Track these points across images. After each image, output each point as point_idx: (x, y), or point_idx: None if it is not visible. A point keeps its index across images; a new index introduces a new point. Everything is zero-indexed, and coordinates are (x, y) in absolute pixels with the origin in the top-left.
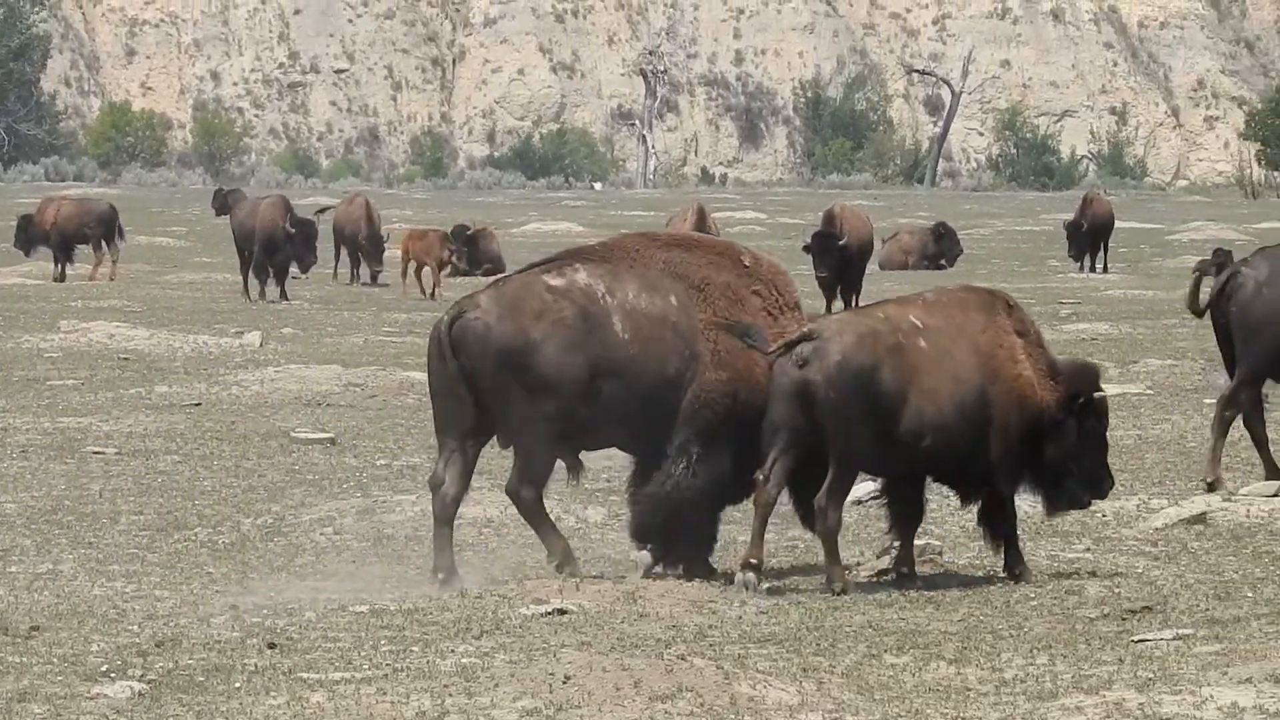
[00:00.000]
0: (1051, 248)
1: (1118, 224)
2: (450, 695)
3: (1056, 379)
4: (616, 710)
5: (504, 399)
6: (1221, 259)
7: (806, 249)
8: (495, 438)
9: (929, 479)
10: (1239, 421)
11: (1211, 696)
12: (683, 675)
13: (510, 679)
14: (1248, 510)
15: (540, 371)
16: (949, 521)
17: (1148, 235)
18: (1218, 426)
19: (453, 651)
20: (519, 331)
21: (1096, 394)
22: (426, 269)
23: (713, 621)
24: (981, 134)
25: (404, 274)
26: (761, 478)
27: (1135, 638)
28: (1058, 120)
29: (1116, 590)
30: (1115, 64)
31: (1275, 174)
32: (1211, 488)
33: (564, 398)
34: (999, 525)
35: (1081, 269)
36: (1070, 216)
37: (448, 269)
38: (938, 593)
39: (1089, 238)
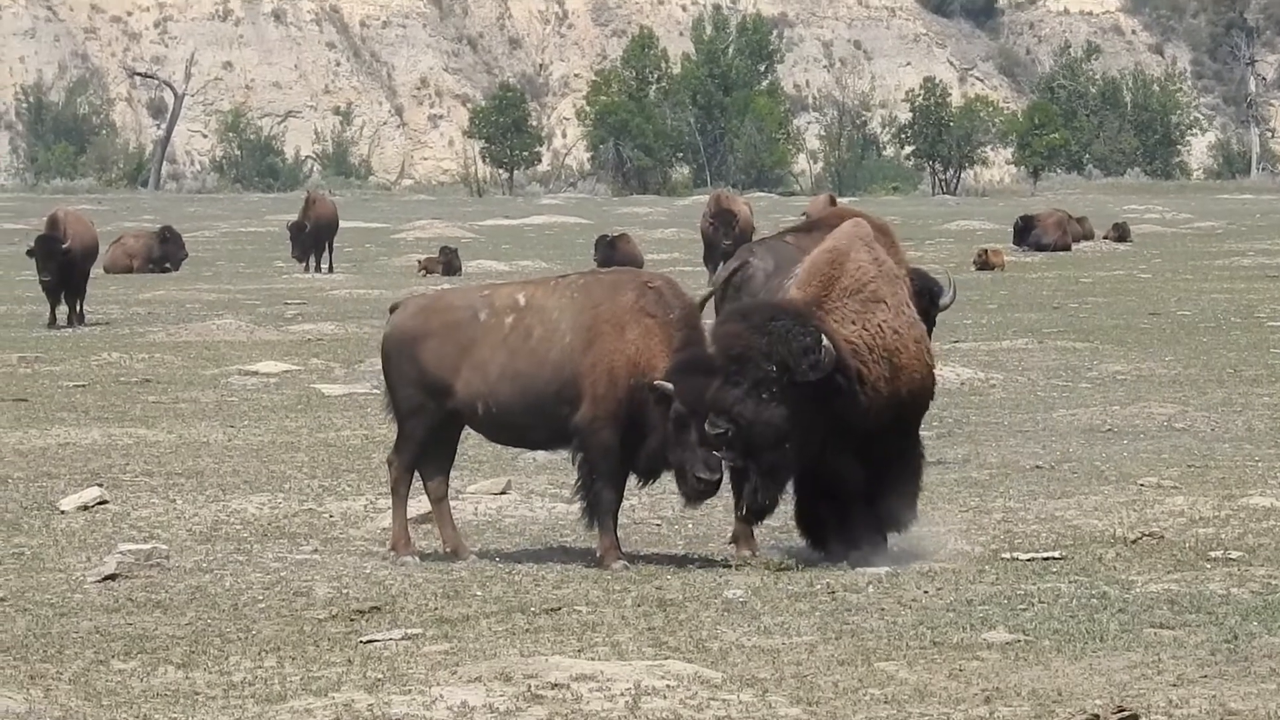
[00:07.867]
0: (277, 249)
1: (342, 224)
2: None
3: None
4: None
5: None
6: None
7: (30, 253)
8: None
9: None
10: None
11: (441, 696)
12: None
13: None
14: (475, 508)
15: None
16: (175, 525)
17: (373, 235)
18: None
19: None
20: None
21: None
22: None
23: None
24: (205, 136)
25: None
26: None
27: (364, 638)
28: (281, 121)
29: (345, 591)
30: (338, 64)
31: (500, 171)
32: None
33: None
34: (585, 497)
35: (307, 269)
36: (294, 217)
37: None
38: (166, 596)
39: (312, 238)
